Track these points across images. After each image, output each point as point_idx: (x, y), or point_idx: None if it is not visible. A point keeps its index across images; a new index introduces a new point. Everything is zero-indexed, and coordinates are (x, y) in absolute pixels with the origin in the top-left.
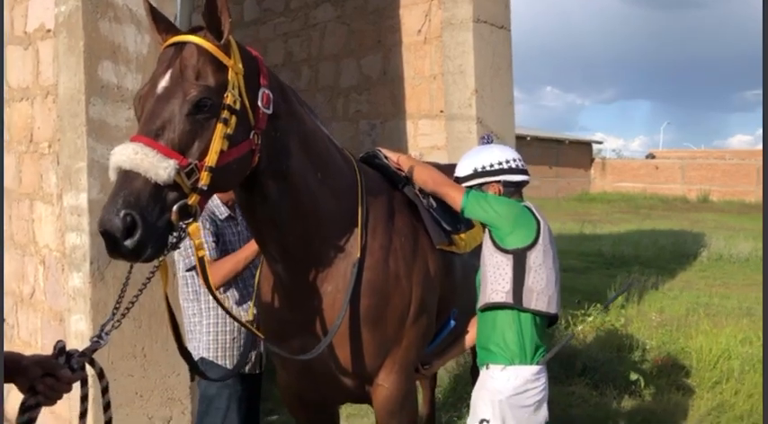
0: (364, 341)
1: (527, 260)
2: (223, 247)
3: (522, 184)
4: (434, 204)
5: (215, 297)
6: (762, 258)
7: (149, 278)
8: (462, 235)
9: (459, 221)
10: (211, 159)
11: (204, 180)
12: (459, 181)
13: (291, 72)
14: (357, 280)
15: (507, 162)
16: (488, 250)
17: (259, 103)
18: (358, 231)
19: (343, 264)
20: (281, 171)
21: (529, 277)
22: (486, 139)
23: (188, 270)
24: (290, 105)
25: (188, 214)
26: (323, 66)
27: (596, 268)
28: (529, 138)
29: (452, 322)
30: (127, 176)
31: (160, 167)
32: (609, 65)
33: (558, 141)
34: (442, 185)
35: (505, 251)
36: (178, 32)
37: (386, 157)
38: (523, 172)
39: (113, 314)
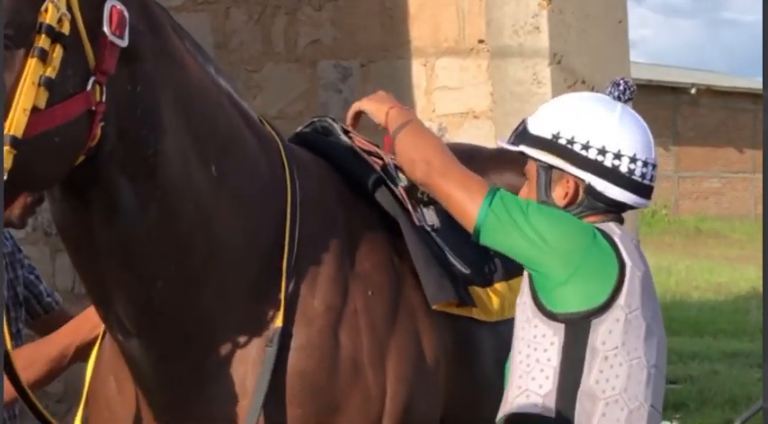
0: None
1: (591, 336)
2: None
3: (624, 207)
4: (436, 221)
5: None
6: (761, 259)
7: None
8: (495, 287)
9: (494, 261)
10: (17, 123)
11: (7, 161)
12: (518, 135)
13: None
14: (277, 371)
15: (619, 156)
16: (524, 312)
17: (105, 28)
18: (281, 276)
19: (254, 341)
20: (142, 158)
21: (593, 369)
22: (620, 90)
23: None
24: (160, 36)
25: None
26: None
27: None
28: (694, 91)
29: None
30: None
31: None
32: None
33: (756, 96)
34: (442, 172)
35: (552, 317)
36: None
37: (346, 131)
38: (638, 188)
39: None
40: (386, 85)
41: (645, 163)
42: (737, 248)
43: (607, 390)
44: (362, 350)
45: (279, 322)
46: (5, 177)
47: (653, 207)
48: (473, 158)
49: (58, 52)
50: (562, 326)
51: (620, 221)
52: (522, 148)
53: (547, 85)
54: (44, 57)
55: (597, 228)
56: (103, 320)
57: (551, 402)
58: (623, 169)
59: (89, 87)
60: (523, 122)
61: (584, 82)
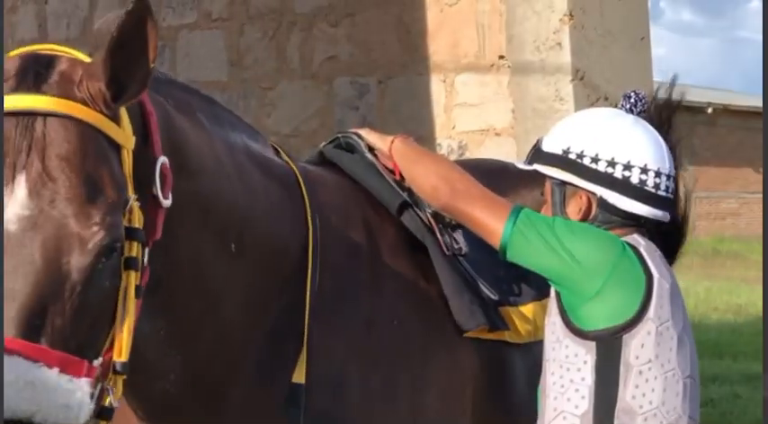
0: None
1: (624, 351)
2: None
3: (640, 220)
4: (464, 245)
5: None
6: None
7: None
8: (527, 309)
9: (524, 279)
10: (123, 347)
11: (118, 390)
12: (533, 154)
13: None
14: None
15: (629, 167)
16: (553, 332)
17: (158, 193)
18: (304, 325)
19: (273, 398)
20: (152, 280)
21: (628, 385)
22: (631, 102)
23: None
24: (179, 153)
25: None
26: None
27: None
28: (711, 111)
29: None
30: None
31: (73, 405)
32: None
33: None
34: (465, 194)
35: (582, 335)
36: (18, 83)
37: (370, 149)
38: (651, 198)
39: None
40: (404, 102)
41: (657, 174)
42: (756, 269)
43: (644, 405)
44: (391, 386)
45: (301, 377)
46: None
47: None
48: (503, 175)
49: (140, 252)
50: (593, 344)
51: (642, 235)
52: (536, 167)
53: (569, 102)
54: (137, 266)
55: (624, 240)
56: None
57: (589, 422)
58: (634, 180)
59: (146, 260)
60: (538, 141)
61: (606, 98)
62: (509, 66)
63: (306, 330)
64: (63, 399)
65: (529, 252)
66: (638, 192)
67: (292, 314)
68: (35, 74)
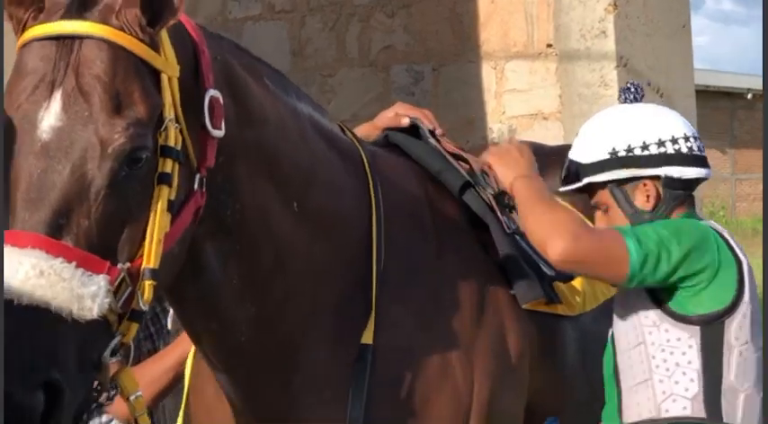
0: None
1: (726, 334)
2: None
3: (695, 183)
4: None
5: None
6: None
7: None
8: (577, 283)
9: None
10: (153, 255)
11: (146, 295)
12: (574, 173)
13: None
14: (370, 382)
15: (675, 140)
16: (645, 316)
17: (207, 122)
18: (371, 291)
19: (341, 357)
20: (220, 219)
21: (731, 366)
22: (633, 93)
23: None
24: (241, 101)
25: (114, 353)
26: None
27: None
28: (750, 96)
29: None
30: (28, 316)
31: (86, 296)
32: None
33: None
34: (587, 242)
35: (687, 321)
36: (65, 12)
37: (432, 133)
38: (700, 161)
39: None
40: (457, 88)
41: (695, 138)
42: None
43: (745, 383)
44: (450, 352)
45: (369, 338)
46: (146, 307)
47: (711, 209)
48: (535, 154)
49: (175, 169)
50: (697, 328)
51: (693, 201)
52: (587, 180)
53: (613, 88)
54: (169, 181)
55: (710, 226)
56: (199, 350)
57: (700, 403)
58: (684, 150)
59: (196, 186)
60: (569, 163)
61: (649, 84)
62: (556, 54)
63: (374, 297)
64: (77, 290)
65: (656, 274)
66: (692, 158)
67: (360, 284)
68: (80, 3)
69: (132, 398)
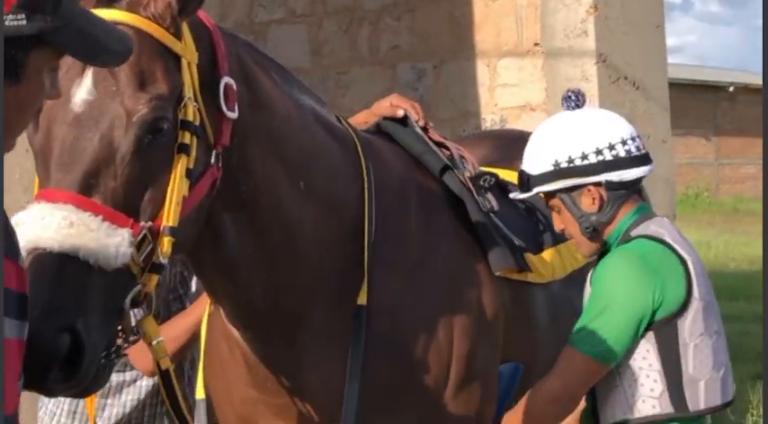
0: None
1: (680, 333)
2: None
3: (638, 181)
4: (495, 204)
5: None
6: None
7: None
8: (546, 255)
9: (542, 231)
10: (172, 215)
11: (165, 249)
12: (525, 183)
13: None
14: (366, 339)
15: (612, 146)
16: None
17: (222, 104)
18: (363, 259)
19: (340, 317)
20: (236, 195)
21: (689, 360)
22: (574, 100)
23: None
24: (253, 88)
25: (137, 304)
26: None
27: None
28: (732, 89)
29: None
30: (57, 263)
31: (111, 245)
32: None
33: None
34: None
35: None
36: (97, 2)
37: (423, 127)
38: (640, 160)
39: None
40: (455, 83)
41: (632, 139)
42: None
43: (704, 370)
44: (433, 312)
45: (363, 299)
46: (166, 261)
47: (696, 191)
48: (519, 141)
49: (193, 142)
50: (651, 333)
51: (640, 195)
52: (537, 190)
53: (593, 82)
54: (188, 151)
55: (647, 236)
56: (217, 306)
57: (667, 400)
58: (623, 154)
59: (212, 160)
60: (521, 173)
61: (626, 78)
62: (543, 52)
63: (366, 264)
64: (103, 240)
65: (625, 341)
66: (629, 161)
67: (356, 253)
68: None
69: (154, 343)
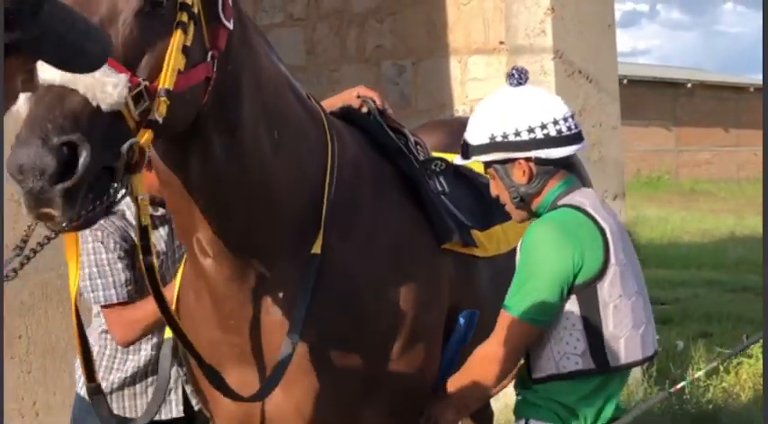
0: (330, 379)
1: (600, 295)
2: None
3: (566, 158)
4: (446, 187)
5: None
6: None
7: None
8: (493, 231)
9: (490, 211)
10: (168, 79)
11: (161, 109)
12: (465, 150)
13: None
14: (316, 287)
15: (544, 125)
16: None
17: (219, 11)
18: (321, 215)
19: (298, 265)
20: (228, 120)
21: (609, 319)
22: (517, 78)
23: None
24: (245, 29)
25: (135, 166)
26: None
27: None
28: (690, 85)
29: (461, 321)
30: (55, 94)
31: (108, 83)
32: None
33: (739, 89)
34: (488, 371)
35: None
36: None
37: (381, 112)
38: (573, 138)
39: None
40: (431, 78)
41: (564, 119)
42: (722, 203)
43: (624, 329)
44: (383, 275)
45: (317, 249)
46: (161, 121)
47: (658, 174)
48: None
49: (191, 27)
50: (574, 296)
51: (570, 169)
52: (474, 159)
53: (551, 75)
54: (185, 29)
55: (570, 205)
56: (188, 246)
57: (588, 357)
58: (553, 133)
59: (208, 59)
60: (463, 141)
61: (580, 72)
62: (507, 50)
63: (323, 216)
64: (101, 78)
65: (545, 309)
66: (560, 140)
67: (315, 207)
68: None
69: (140, 199)
